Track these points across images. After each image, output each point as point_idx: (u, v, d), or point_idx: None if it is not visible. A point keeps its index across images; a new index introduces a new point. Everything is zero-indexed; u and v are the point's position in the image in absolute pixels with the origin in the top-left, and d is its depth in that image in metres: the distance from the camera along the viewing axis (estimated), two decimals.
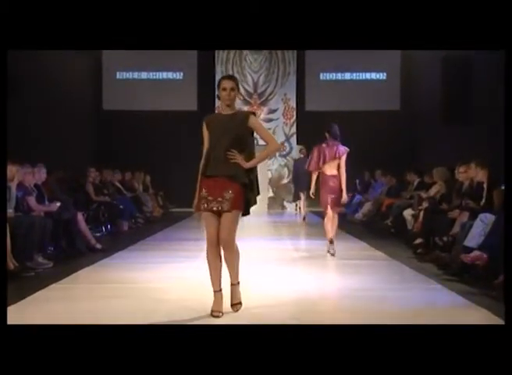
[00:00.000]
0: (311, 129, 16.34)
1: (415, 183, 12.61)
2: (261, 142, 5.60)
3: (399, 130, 18.99)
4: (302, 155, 15.72)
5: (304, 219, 15.25)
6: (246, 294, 5.74)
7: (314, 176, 8.89)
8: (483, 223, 7.06)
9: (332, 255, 8.84)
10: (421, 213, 9.92)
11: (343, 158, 8.61)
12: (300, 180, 14.51)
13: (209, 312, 5.20)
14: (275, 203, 20.41)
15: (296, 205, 17.59)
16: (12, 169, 7.77)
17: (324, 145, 8.74)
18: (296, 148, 19.87)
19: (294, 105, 20.21)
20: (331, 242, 8.94)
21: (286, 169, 19.48)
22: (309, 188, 9.10)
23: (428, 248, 9.14)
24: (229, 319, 5.07)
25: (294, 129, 20.23)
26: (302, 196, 15.11)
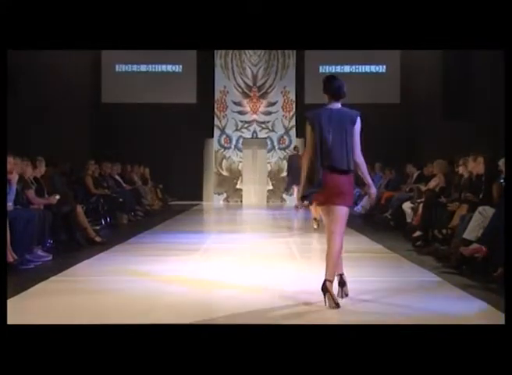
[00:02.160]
0: None
1: (414, 176, 12.61)
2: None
3: (398, 123, 18.98)
4: (296, 152, 16.71)
5: (297, 207, 16.18)
6: (243, 290, 5.76)
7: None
8: (482, 216, 7.07)
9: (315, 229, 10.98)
10: (421, 206, 9.91)
11: None
12: (294, 175, 15.68)
13: (209, 305, 5.23)
14: (275, 196, 20.45)
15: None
16: (11, 163, 7.77)
17: None
18: (295, 141, 19.88)
19: (294, 98, 20.20)
20: (315, 219, 11.09)
21: (285, 162, 19.49)
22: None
23: (427, 240, 9.14)
24: (228, 318, 5.08)
25: (294, 122, 20.23)
26: (295, 188, 16.22)
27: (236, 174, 20.40)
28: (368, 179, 5.37)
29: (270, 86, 20.27)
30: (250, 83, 20.32)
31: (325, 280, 5.08)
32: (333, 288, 5.16)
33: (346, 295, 5.38)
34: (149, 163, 17.26)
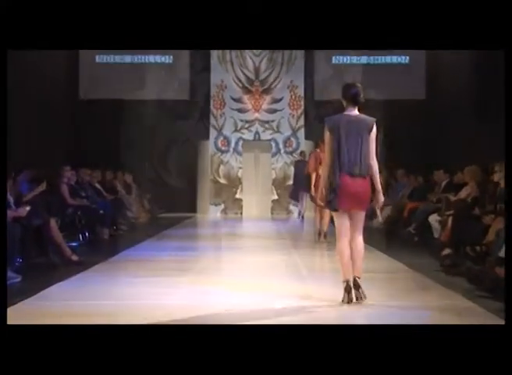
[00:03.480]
0: (322, 121, 16.32)
1: (443, 185, 12.62)
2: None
3: (424, 123, 18.96)
4: (302, 158, 17.97)
5: (302, 217, 17.41)
6: (248, 310, 5.75)
7: (313, 176, 11.51)
8: None
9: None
10: (450, 219, 9.90)
11: None
12: (300, 181, 16.37)
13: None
14: (280, 207, 20.43)
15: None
16: None
17: (318, 150, 11.59)
18: (303, 143, 19.89)
19: (302, 94, 20.24)
20: (324, 236, 11.80)
21: (292, 168, 19.46)
22: (309, 189, 11.73)
23: (457, 259, 9.12)
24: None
25: (302, 121, 20.26)
26: (302, 196, 17.05)
27: (235, 182, 20.43)
28: (378, 185, 6.47)
29: (275, 80, 20.31)
30: (252, 77, 20.36)
31: (356, 277, 6.37)
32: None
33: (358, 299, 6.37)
34: (134, 169, 17.28)
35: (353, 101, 6.50)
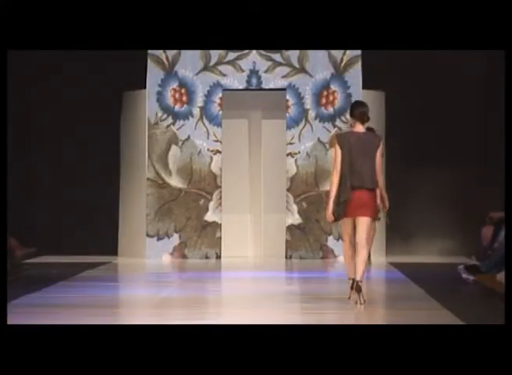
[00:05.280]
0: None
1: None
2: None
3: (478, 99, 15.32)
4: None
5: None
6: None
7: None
8: None
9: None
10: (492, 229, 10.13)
11: None
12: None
13: None
14: (303, 238, 19.19)
15: None
16: None
17: None
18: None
19: None
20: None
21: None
22: None
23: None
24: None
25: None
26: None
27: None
28: (384, 194, 8.01)
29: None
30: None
31: (358, 281, 7.44)
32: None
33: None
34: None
35: (361, 119, 7.74)
